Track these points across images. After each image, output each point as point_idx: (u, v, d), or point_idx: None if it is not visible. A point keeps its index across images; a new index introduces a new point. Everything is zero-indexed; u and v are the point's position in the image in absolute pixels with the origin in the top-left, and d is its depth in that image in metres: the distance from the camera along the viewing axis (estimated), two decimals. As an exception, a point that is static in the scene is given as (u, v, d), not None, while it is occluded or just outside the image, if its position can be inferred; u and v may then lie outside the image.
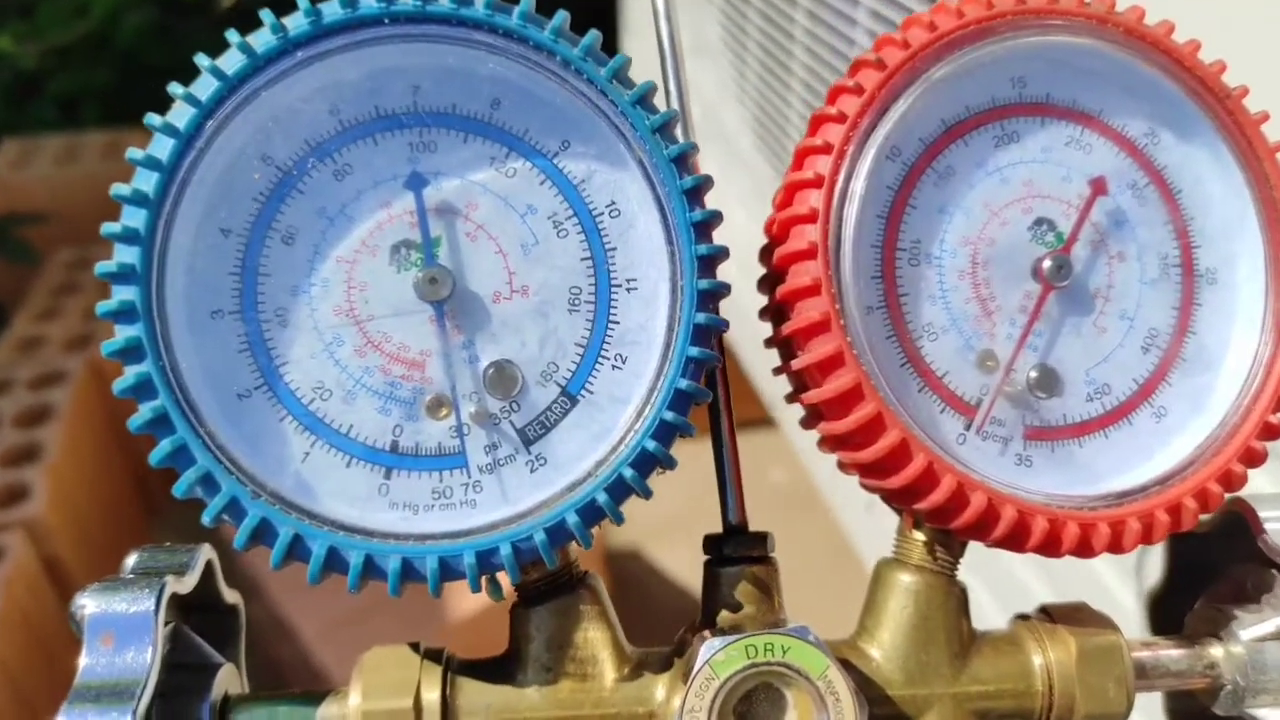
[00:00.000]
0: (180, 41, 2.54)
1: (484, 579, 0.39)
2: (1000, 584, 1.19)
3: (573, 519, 0.39)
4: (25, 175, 2.27)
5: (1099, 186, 0.44)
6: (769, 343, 0.46)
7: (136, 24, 2.53)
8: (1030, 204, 0.44)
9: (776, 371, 0.46)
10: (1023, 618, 0.47)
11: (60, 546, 1.53)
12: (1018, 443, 0.43)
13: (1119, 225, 0.45)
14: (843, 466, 0.45)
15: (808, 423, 0.45)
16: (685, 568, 1.81)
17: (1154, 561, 0.54)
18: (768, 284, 0.45)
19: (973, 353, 0.43)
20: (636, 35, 2.20)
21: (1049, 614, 0.46)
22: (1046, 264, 0.43)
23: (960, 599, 0.45)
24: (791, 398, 0.46)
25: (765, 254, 0.45)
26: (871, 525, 1.65)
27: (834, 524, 1.78)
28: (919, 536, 0.45)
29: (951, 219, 0.43)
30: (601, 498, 0.39)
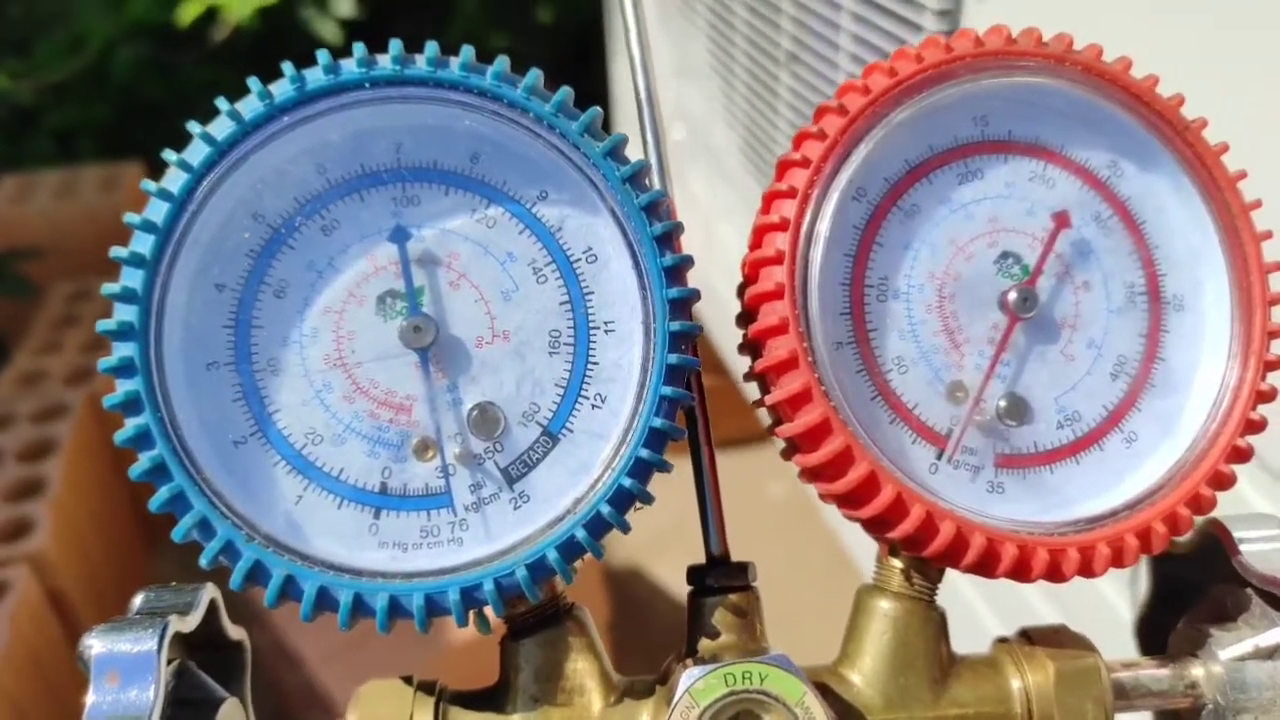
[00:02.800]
0: (175, 75, 2.58)
1: (471, 614, 0.41)
2: (1000, 598, 1.19)
3: (553, 555, 0.40)
4: (23, 210, 2.29)
5: (1062, 220, 0.46)
6: (748, 377, 0.48)
7: (131, 59, 2.58)
8: (995, 238, 0.45)
9: (756, 404, 0.48)
10: (1002, 640, 0.48)
11: (64, 580, 1.55)
12: (989, 470, 0.45)
13: (1084, 256, 0.46)
14: (822, 496, 0.46)
15: (786, 454, 0.47)
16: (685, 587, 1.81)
17: (1142, 582, 0.55)
18: (743, 321, 0.47)
19: (942, 384, 0.45)
20: (623, 58, 2.23)
21: (1028, 636, 0.47)
22: (1012, 296, 0.44)
23: (939, 624, 0.46)
24: (771, 430, 0.47)
25: (740, 293, 0.46)
26: (871, 540, 1.65)
27: (833, 538, 1.78)
28: (896, 563, 0.46)
29: (918, 255, 0.45)
30: (580, 534, 0.40)
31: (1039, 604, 1.11)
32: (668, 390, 0.41)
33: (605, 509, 0.41)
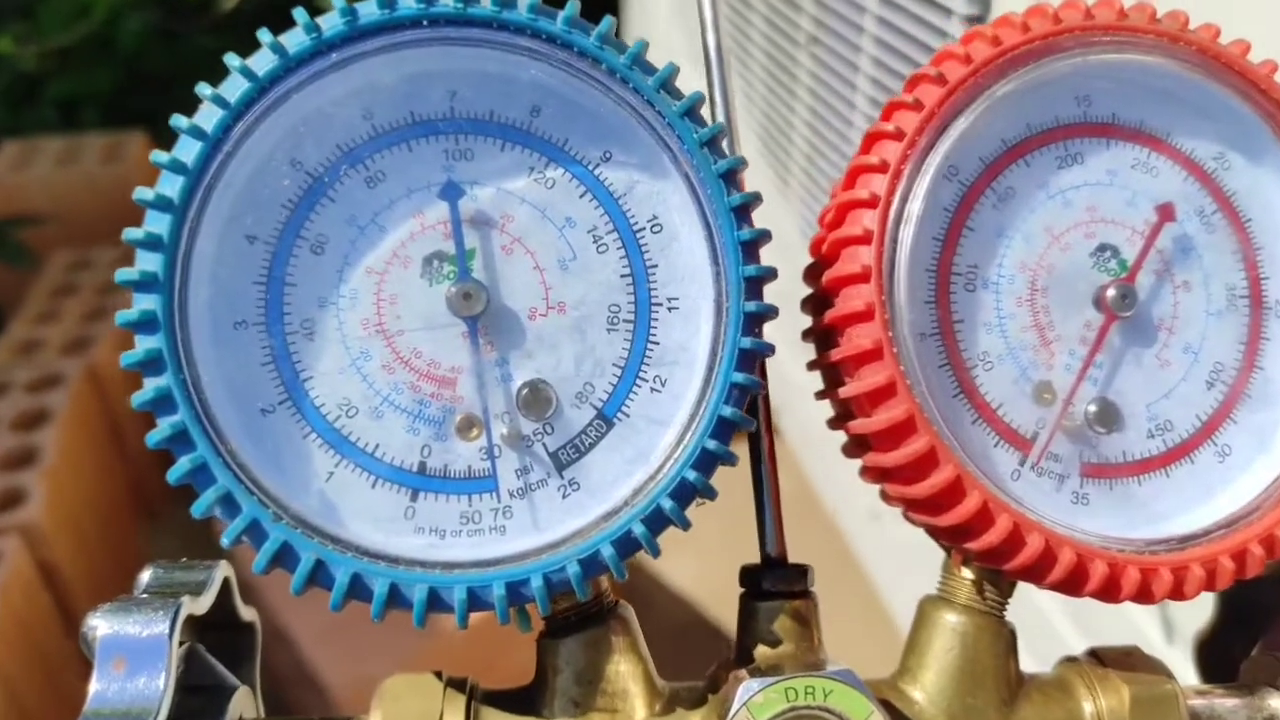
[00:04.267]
0: (181, 45, 2.53)
1: (511, 610, 0.38)
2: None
3: (608, 551, 0.37)
4: (24, 177, 2.25)
5: (1167, 213, 0.42)
6: (811, 366, 0.44)
7: (137, 27, 2.52)
8: (1093, 229, 0.42)
9: (819, 396, 0.44)
10: (1071, 660, 0.44)
11: (56, 552, 1.51)
12: (1074, 480, 0.41)
13: (1185, 253, 0.43)
14: (886, 498, 0.43)
15: (850, 451, 0.43)
16: (688, 579, 1.79)
17: (1206, 604, 0.52)
18: (813, 306, 0.43)
19: (1029, 383, 0.41)
20: (634, 39, 2.18)
21: (1099, 658, 0.44)
22: (1111, 293, 0.41)
23: (1009, 641, 0.42)
24: (835, 424, 0.44)
25: (811, 274, 0.43)
26: (876, 536, 1.62)
27: (836, 534, 1.76)
28: (967, 575, 0.43)
29: (1010, 243, 0.41)
30: (638, 529, 0.37)
31: (1061, 624, 1.08)
32: (740, 377, 0.38)
33: (666, 503, 0.37)
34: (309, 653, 1.12)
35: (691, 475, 0.37)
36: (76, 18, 2.44)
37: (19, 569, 1.42)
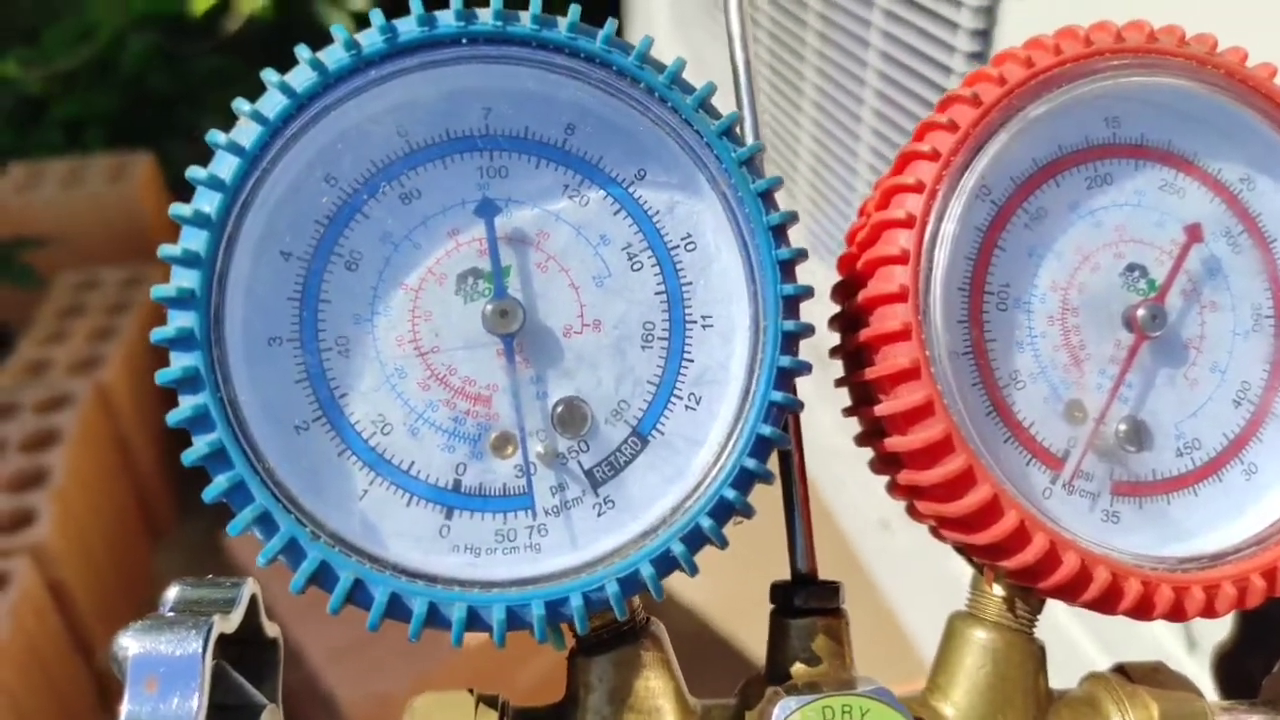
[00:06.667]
0: (184, 67, 2.53)
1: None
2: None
3: (647, 570, 0.37)
4: (30, 199, 2.24)
5: (1195, 233, 0.42)
6: (840, 383, 0.44)
7: (141, 49, 2.51)
8: (1122, 249, 0.42)
9: (847, 413, 0.44)
10: (1096, 676, 0.45)
11: (66, 572, 1.50)
12: (1105, 498, 0.41)
13: (1212, 274, 0.43)
14: (915, 514, 0.43)
15: (879, 468, 0.43)
16: (688, 586, 1.79)
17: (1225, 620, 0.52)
18: (842, 323, 0.43)
19: (1060, 402, 0.41)
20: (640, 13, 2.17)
21: (1127, 674, 0.44)
22: (1141, 312, 0.41)
23: (1039, 658, 0.43)
24: (864, 441, 0.44)
25: (842, 293, 0.43)
26: (884, 544, 1.63)
27: (842, 542, 1.76)
28: (997, 592, 0.43)
29: (1042, 262, 0.42)
30: (677, 548, 0.37)
31: (1076, 633, 1.09)
32: (778, 395, 0.38)
33: (705, 521, 0.37)
34: (321, 670, 1.11)
35: (730, 494, 0.37)
36: (80, 40, 2.44)
37: (29, 590, 1.41)
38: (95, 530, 1.68)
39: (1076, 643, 1.08)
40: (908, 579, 1.59)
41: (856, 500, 1.63)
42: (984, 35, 1.12)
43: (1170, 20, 0.42)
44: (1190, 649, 0.89)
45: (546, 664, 1.20)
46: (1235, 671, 0.51)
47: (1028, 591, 0.42)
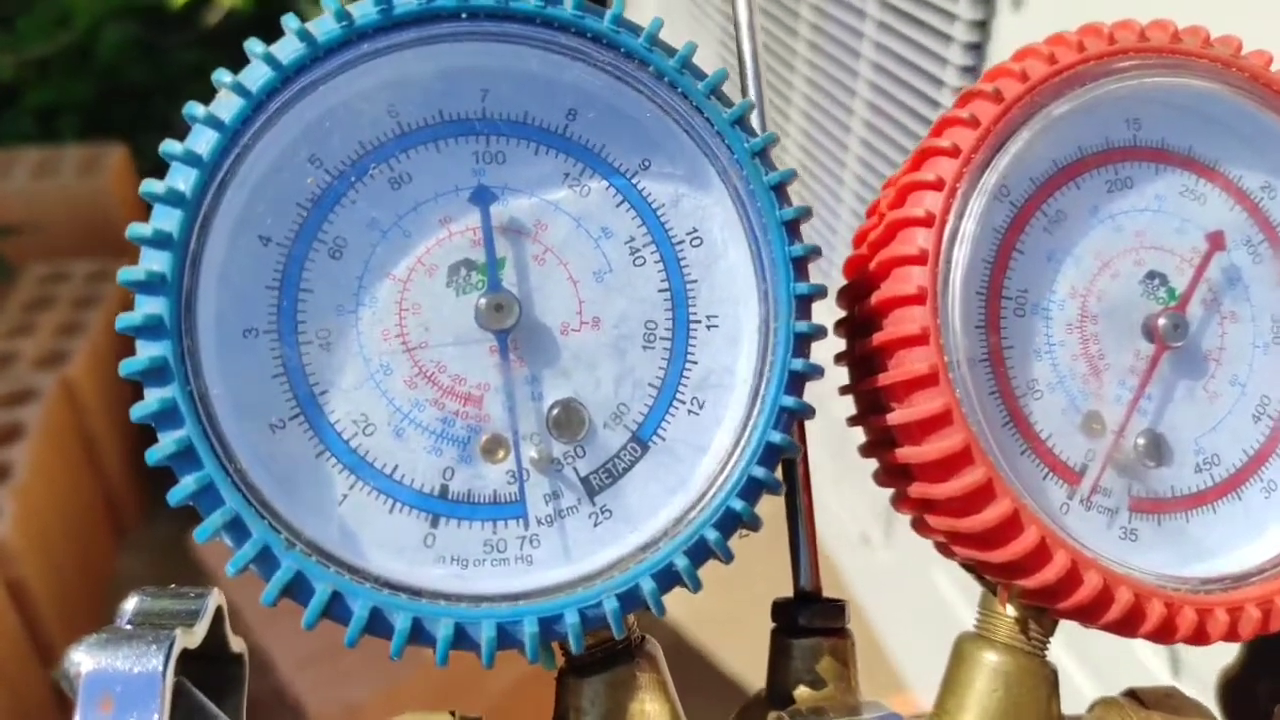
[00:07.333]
0: (162, 58, 2.48)
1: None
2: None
3: (648, 585, 0.34)
4: (0, 188, 2.19)
5: (1217, 241, 0.41)
6: (845, 390, 0.42)
7: (117, 38, 2.46)
8: (1142, 256, 0.41)
9: (852, 422, 0.42)
10: (1107, 701, 0.43)
11: (26, 570, 1.45)
12: (1123, 515, 0.40)
13: (1233, 283, 0.42)
14: (923, 529, 0.41)
15: (886, 480, 0.41)
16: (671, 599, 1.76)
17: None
18: (849, 328, 0.41)
19: (1078, 414, 0.40)
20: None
21: (1138, 698, 0.42)
22: (1163, 322, 0.40)
23: (1052, 682, 0.41)
24: (870, 452, 0.42)
25: (850, 296, 0.41)
26: (865, 560, 1.61)
27: (824, 558, 1.74)
28: (1009, 612, 0.41)
29: (1061, 267, 0.40)
30: (680, 562, 0.35)
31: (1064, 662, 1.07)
32: (789, 400, 0.36)
33: (711, 534, 0.35)
34: (289, 678, 1.07)
35: (737, 504, 0.35)
36: (56, 28, 2.38)
37: (-13, 588, 1.36)
38: (58, 528, 1.62)
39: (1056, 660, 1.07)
40: (887, 595, 1.57)
41: (836, 515, 1.62)
42: (977, 49, 1.11)
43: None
44: (1175, 672, 0.88)
45: (518, 672, 1.17)
46: (1239, 696, 0.50)
47: (1042, 612, 0.40)
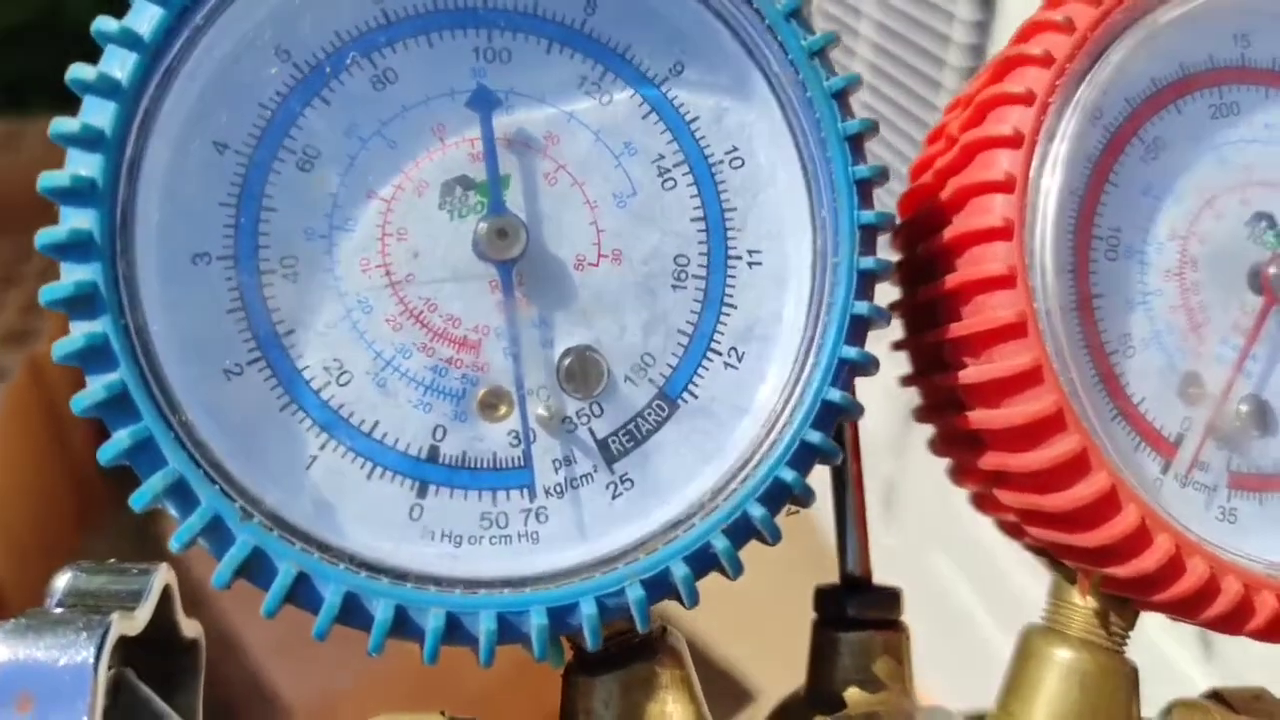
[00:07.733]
0: None
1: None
2: (1003, 604, 1.11)
3: (680, 570, 0.29)
4: None
5: (1337, 177, 0.35)
6: (898, 345, 0.37)
7: (86, 6, 2.36)
8: (1249, 193, 0.35)
9: (906, 381, 0.37)
10: (1190, 704, 0.38)
11: None
12: (1222, 492, 0.34)
13: (1349, 228, 0.36)
14: (986, 505, 0.35)
15: (946, 449, 0.36)
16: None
17: None
18: (905, 273, 0.36)
19: (1176, 375, 0.34)
20: None
21: (1227, 702, 0.37)
22: (1274, 270, 0.34)
23: (1133, 681, 0.35)
24: (927, 416, 0.36)
25: (905, 237, 0.35)
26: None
27: (820, 546, 1.69)
28: (1088, 603, 0.35)
29: (1159, 203, 0.34)
30: (719, 543, 0.29)
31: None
32: (851, 352, 0.30)
33: (756, 510, 0.29)
34: (263, 665, 1.01)
35: (787, 475, 0.29)
36: (23, -2, 2.27)
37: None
38: (24, 515, 1.56)
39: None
40: (886, 580, 1.53)
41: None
42: (981, 27, 1.06)
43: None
44: (1208, 658, 0.84)
45: (518, 656, 1.12)
46: None
47: (1124, 603, 0.34)
